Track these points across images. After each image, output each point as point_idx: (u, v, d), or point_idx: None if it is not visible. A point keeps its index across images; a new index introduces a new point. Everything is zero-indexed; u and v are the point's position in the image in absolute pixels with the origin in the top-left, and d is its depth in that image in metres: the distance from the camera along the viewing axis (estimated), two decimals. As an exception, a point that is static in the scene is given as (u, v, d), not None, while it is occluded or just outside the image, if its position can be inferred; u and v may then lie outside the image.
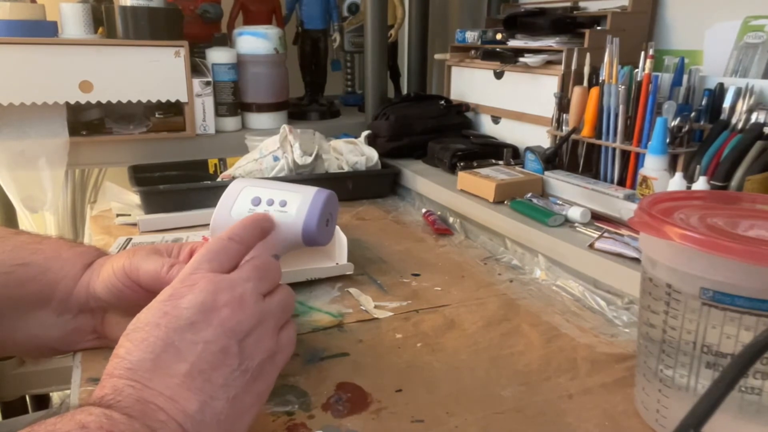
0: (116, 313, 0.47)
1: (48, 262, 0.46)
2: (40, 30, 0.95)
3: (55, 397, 1.36)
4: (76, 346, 0.48)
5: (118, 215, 0.82)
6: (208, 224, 0.51)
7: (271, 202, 0.48)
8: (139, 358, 0.33)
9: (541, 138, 0.90)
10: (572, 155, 0.85)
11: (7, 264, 0.45)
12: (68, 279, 0.46)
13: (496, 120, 1.03)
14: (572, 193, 0.76)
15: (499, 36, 0.98)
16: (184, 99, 1.02)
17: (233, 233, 0.42)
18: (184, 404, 0.33)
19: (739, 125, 0.69)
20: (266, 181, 0.50)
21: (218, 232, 0.45)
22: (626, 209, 0.68)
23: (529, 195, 0.77)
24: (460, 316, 0.57)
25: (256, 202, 0.48)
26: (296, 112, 1.24)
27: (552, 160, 0.83)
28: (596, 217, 0.71)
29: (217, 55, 1.07)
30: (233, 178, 0.91)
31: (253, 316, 0.37)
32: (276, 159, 0.90)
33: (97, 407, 0.31)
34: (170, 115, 1.05)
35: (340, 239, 0.66)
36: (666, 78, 0.77)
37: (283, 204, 0.47)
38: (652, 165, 0.68)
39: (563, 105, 0.84)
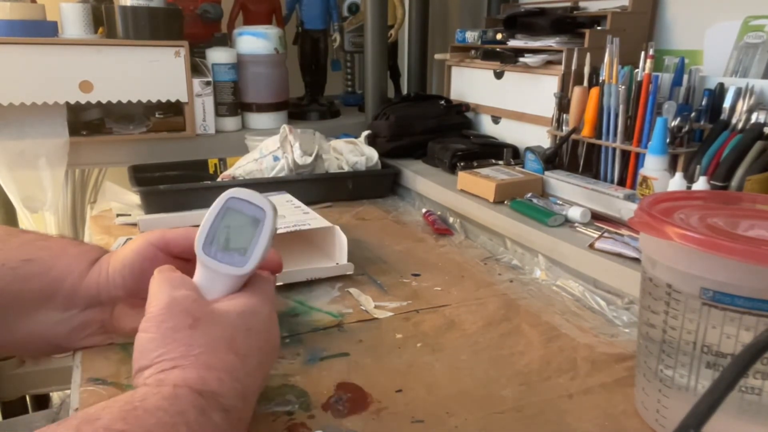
0: (126, 305, 0.47)
1: (54, 260, 0.46)
2: (40, 30, 0.95)
3: (55, 397, 1.35)
4: (80, 342, 0.49)
5: (118, 215, 0.82)
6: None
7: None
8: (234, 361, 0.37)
9: (541, 138, 0.90)
10: (572, 155, 0.85)
11: (13, 260, 0.45)
12: (74, 275, 0.46)
13: (496, 120, 1.03)
14: (572, 193, 0.76)
15: (499, 36, 0.98)
16: (184, 99, 1.02)
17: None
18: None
19: (739, 125, 0.69)
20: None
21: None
22: (626, 209, 0.68)
23: (529, 195, 0.77)
24: (460, 316, 0.57)
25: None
26: (296, 112, 1.24)
27: (552, 160, 0.83)
28: (596, 217, 0.71)
29: (217, 55, 1.07)
30: (233, 178, 0.91)
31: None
32: (276, 159, 0.90)
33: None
34: (170, 115, 1.05)
35: (340, 239, 0.66)
36: (666, 78, 0.77)
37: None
38: (652, 165, 0.68)
39: (563, 105, 0.84)
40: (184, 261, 0.46)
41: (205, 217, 0.41)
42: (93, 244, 0.51)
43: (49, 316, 0.46)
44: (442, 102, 1.08)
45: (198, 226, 0.42)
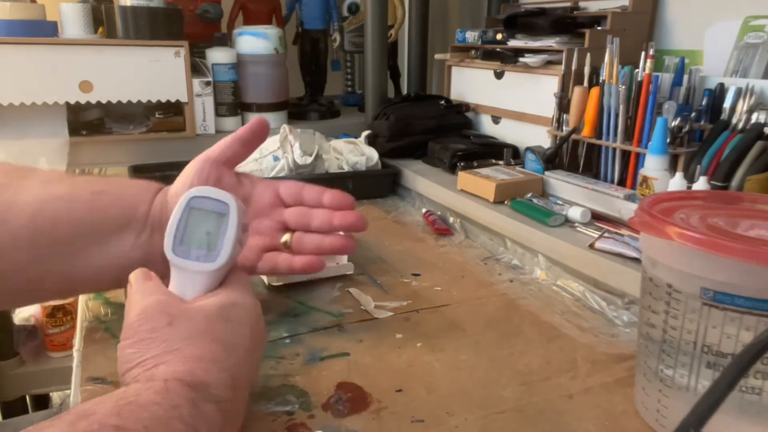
0: None
1: (123, 190, 0.49)
2: (40, 30, 0.95)
3: (55, 397, 1.36)
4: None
5: (118, 215, 0.82)
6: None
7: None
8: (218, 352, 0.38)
9: (541, 138, 0.90)
10: (572, 155, 0.85)
11: (85, 192, 0.47)
12: (145, 202, 0.49)
13: (496, 120, 1.03)
14: (572, 193, 0.76)
15: (499, 36, 0.98)
16: (184, 99, 1.02)
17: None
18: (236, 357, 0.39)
19: (740, 125, 0.69)
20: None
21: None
22: (626, 209, 0.68)
23: (529, 195, 0.77)
24: (460, 316, 0.57)
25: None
26: (296, 112, 1.24)
27: (552, 160, 0.83)
28: (596, 217, 0.71)
29: (217, 55, 1.07)
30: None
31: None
32: (276, 159, 0.90)
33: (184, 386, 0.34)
34: (170, 115, 1.05)
35: (340, 239, 0.66)
36: (666, 78, 0.77)
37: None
38: (653, 165, 0.68)
39: (563, 105, 0.84)
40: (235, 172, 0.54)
41: (170, 219, 0.42)
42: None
43: (124, 241, 0.47)
44: (442, 102, 1.08)
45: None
